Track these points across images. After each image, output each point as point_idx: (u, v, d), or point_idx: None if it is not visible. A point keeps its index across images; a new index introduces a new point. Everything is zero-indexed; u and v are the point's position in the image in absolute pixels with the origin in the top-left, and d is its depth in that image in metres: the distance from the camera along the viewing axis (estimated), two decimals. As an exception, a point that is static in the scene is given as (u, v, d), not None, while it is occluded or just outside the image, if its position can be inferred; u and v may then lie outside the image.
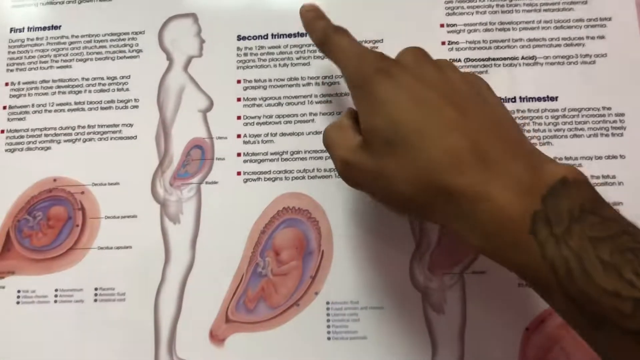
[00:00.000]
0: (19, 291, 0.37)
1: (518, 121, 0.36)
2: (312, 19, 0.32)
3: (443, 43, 0.38)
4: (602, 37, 0.37)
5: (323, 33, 0.31)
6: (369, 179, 0.27)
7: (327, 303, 0.35)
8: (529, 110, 0.37)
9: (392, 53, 0.36)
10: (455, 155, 0.24)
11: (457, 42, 0.38)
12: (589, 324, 0.22)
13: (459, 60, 0.38)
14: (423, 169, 0.24)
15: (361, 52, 0.29)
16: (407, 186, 0.25)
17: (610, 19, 0.38)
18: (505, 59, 0.38)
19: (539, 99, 0.37)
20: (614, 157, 0.36)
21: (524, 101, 0.37)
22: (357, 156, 0.27)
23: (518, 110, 0.37)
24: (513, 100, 0.37)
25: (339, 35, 0.31)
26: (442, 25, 0.39)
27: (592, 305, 0.21)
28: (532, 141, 0.36)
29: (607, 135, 0.36)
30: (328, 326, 0.35)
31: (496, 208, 0.23)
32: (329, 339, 0.35)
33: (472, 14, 0.39)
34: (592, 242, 0.21)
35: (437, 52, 0.38)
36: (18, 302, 0.36)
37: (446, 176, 0.24)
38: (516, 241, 0.22)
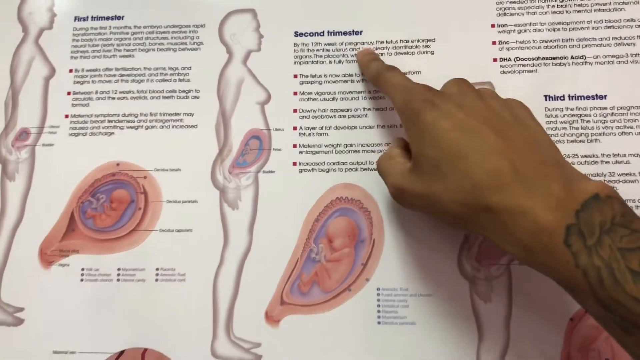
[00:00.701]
0: (82, 269, 0.38)
1: (566, 119, 0.37)
2: (368, 60, 0.38)
3: (494, 43, 0.40)
4: (652, 37, 0.39)
5: (377, 71, 0.36)
6: (419, 201, 0.30)
7: (378, 289, 0.37)
8: (578, 109, 0.38)
9: (444, 53, 0.38)
10: (496, 175, 0.26)
11: (507, 42, 0.40)
12: (620, 329, 0.24)
13: (509, 59, 0.39)
14: (468, 189, 0.27)
15: (410, 86, 0.32)
16: (453, 205, 0.28)
17: (659, 20, 0.39)
18: (554, 58, 0.39)
19: (587, 98, 0.38)
20: (662, 154, 0.37)
21: (572, 99, 0.38)
22: (408, 181, 0.30)
23: (566, 108, 0.38)
24: (562, 98, 0.38)
25: (390, 72, 0.35)
26: (493, 26, 0.40)
27: (622, 311, 0.23)
28: (580, 138, 0.37)
29: (655, 133, 0.37)
30: (378, 311, 0.36)
31: (533, 222, 0.25)
32: (379, 323, 0.36)
33: (523, 14, 0.40)
34: (622, 252, 0.23)
35: (488, 52, 0.39)
36: (82, 280, 0.38)
37: (488, 194, 0.26)
38: (552, 252, 0.25)
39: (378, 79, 0.36)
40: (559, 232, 0.24)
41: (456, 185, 0.27)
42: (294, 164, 0.39)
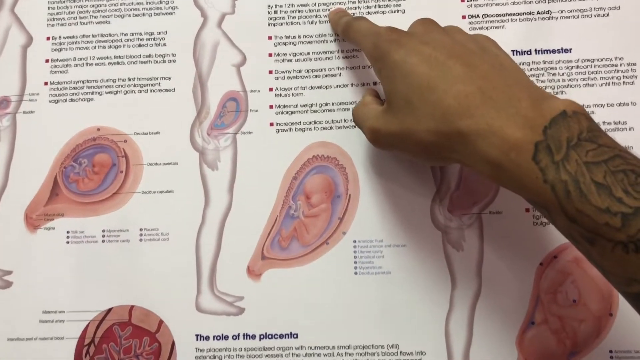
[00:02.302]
0: (68, 232, 0.39)
1: (533, 72, 0.39)
2: (339, 17, 0.39)
3: (462, 0, 0.40)
4: (616, -9, 0.39)
5: (346, 23, 0.37)
6: (395, 138, 0.31)
7: (354, 241, 0.38)
8: (544, 62, 0.39)
9: (414, 11, 0.39)
10: (464, 100, 0.27)
11: (476, -1, 0.40)
12: (585, 240, 0.25)
13: (478, 15, 0.40)
14: (439, 117, 0.28)
15: (377, 30, 0.33)
16: (427, 135, 0.28)
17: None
18: (521, 14, 0.40)
19: (553, 51, 0.39)
20: (626, 104, 0.38)
21: (539, 53, 0.39)
22: (383, 121, 0.31)
23: (533, 62, 0.39)
24: (529, 52, 0.39)
25: (358, 21, 0.36)
26: (462, -17, 0.41)
27: (587, 222, 0.24)
28: (547, 90, 0.38)
29: (619, 84, 0.38)
30: (355, 262, 0.38)
31: (502, 140, 0.26)
32: (355, 273, 0.38)
33: (491, -29, 0.40)
34: (587, 166, 0.24)
35: (457, 8, 0.40)
36: (68, 242, 0.39)
37: (458, 120, 0.27)
38: (521, 168, 0.25)
39: (348, 30, 0.37)
40: (528, 149, 0.25)
41: (428, 115, 0.28)
42: (271, 124, 0.40)
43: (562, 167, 0.25)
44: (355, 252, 0.38)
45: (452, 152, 0.28)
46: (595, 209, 0.24)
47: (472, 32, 0.38)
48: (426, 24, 0.32)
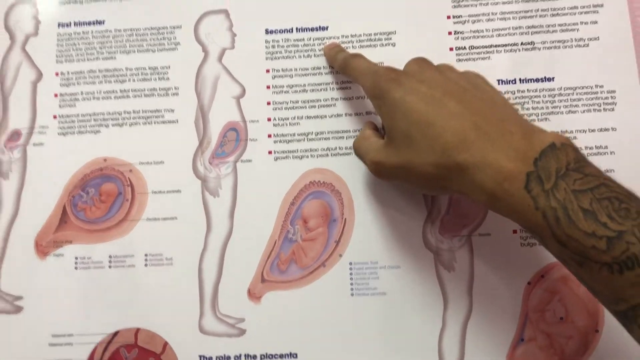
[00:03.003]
0: (76, 258, 0.41)
1: (517, 100, 0.41)
2: (334, 53, 0.41)
3: (450, 33, 0.43)
4: (595, 22, 0.42)
5: (343, 60, 0.39)
6: (397, 170, 0.32)
7: (350, 263, 0.40)
8: (528, 91, 0.41)
9: (404, 44, 0.41)
10: (461, 135, 0.29)
11: (462, 32, 0.43)
12: (576, 263, 0.27)
13: (464, 47, 0.42)
14: (438, 151, 0.30)
15: (375, 69, 0.35)
16: (427, 167, 0.30)
17: (602, 5, 0.42)
18: (505, 45, 0.42)
19: (537, 80, 0.41)
20: (606, 129, 0.40)
21: (523, 82, 0.41)
22: (384, 154, 0.33)
23: (518, 91, 0.41)
24: (513, 82, 0.41)
25: (355, 59, 0.38)
26: (448, 17, 0.43)
27: (576, 245, 0.26)
28: (531, 118, 0.40)
29: (599, 110, 0.40)
30: (351, 284, 0.39)
31: (497, 172, 0.28)
32: (352, 295, 0.39)
33: (476, 5, 0.43)
34: (575, 194, 0.26)
35: (444, 41, 0.42)
36: (76, 268, 0.41)
37: (456, 154, 0.29)
38: (514, 197, 0.27)
39: (345, 67, 0.39)
40: (520, 179, 0.27)
41: (428, 149, 0.30)
42: (270, 152, 0.42)
43: (552, 195, 0.26)
44: (351, 273, 0.39)
45: (451, 182, 0.30)
46: (582, 233, 0.26)
47: (459, 64, 0.41)
48: (420, 63, 0.34)
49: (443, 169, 0.30)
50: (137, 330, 0.40)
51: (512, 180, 0.27)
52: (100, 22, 0.45)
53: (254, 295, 0.40)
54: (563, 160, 0.27)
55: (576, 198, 0.26)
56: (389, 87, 0.33)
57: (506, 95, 0.41)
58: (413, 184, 0.33)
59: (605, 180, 0.27)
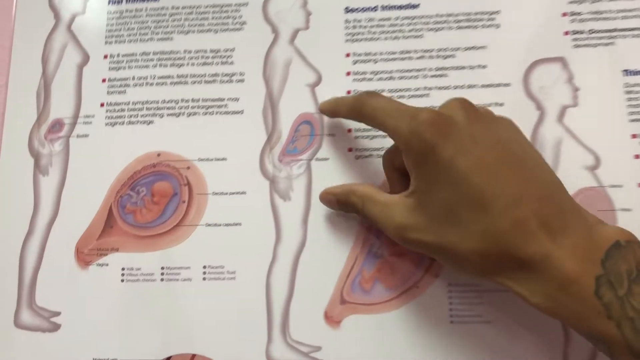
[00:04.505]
0: (123, 269, 0.35)
1: (631, 96, 0.34)
2: (334, 100, 0.34)
3: (564, 14, 0.36)
4: None
5: (356, 100, 0.31)
6: (430, 249, 0.27)
7: (449, 285, 0.33)
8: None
9: (510, 26, 0.34)
10: (522, 226, 0.25)
11: (579, 13, 0.36)
12: None
13: (582, 32, 0.36)
14: (490, 240, 0.25)
15: (411, 112, 0.28)
16: (473, 256, 0.26)
17: None
18: (633, 29, 0.36)
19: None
20: None
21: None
22: (413, 221, 0.27)
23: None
24: (644, 72, 0.35)
25: (375, 97, 0.30)
26: (563, -4, 0.37)
27: None
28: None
29: None
30: (450, 309, 0.33)
31: (562, 273, 0.24)
32: (451, 322, 0.33)
33: (596, -17, 0.36)
34: None
35: (558, 24, 0.36)
36: (122, 280, 0.35)
37: (513, 246, 0.25)
38: (582, 303, 0.24)
39: (362, 109, 0.30)
40: (589, 284, 0.24)
41: (477, 235, 0.25)
42: (350, 149, 0.36)
43: (628, 302, 0.24)
44: (450, 297, 0.33)
45: (497, 275, 0.26)
46: None
47: (576, 52, 0.35)
48: (467, 110, 0.27)
49: (492, 261, 0.25)
50: (193, 356, 0.34)
51: (580, 285, 0.24)
52: (154, -1, 0.39)
53: (331, 318, 0.33)
54: (631, 260, 0.24)
55: None
56: (435, 141, 0.26)
57: (634, 89, 0.34)
58: (448, 265, 0.28)
59: None
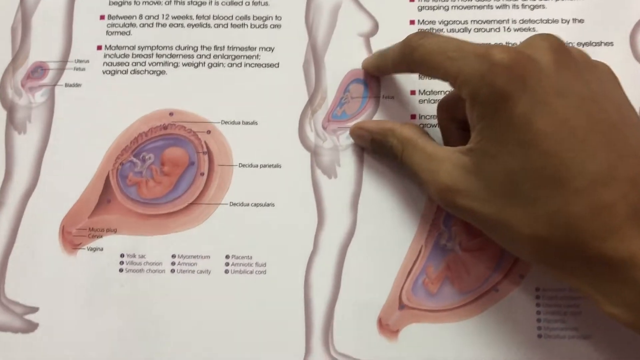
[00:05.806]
0: (122, 255, 0.29)
1: None
2: (380, 54, 0.28)
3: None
4: None
5: (403, 47, 0.25)
6: (480, 220, 0.23)
7: (537, 290, 0.28)
8: None
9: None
10: (606, 214, 0.21)
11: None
12: None
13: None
14: (560, 226, 0.21)
15: (474, 49, 0.22)
16: (534, 242, 0.22)
17: None
18: None
19: None
20: None
21: None
22: (464, 187, 0.23)
23: None
24: None
25: (426, 36, 0.24)
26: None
27: None
28: None
29: None
30: (538, 320, 0.28)
31: None
32: (539, 336, 0.27)
33: None
34: None
35: None
36: (121, 270, 0.29)
37: (591, 238, 0.21)
38: None
39: (413, 55, 0.25)
40: None
41: (543, 217, 0.21)
42: (412, 116, 0.30)
43: None
44: (538, 304, 0.27)
45: (567, 273, 0.22)
46: None
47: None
48: (558, 51, 0.22)
49: (558, 252, 0.21)
50: (210, 370, 0.27)
51: None
52: None
53: (387, 327, 0.28)
54: None
55: None
56: (511, 89, 0.21)
57: None
58: (503, 246, 0.24)
59: None
